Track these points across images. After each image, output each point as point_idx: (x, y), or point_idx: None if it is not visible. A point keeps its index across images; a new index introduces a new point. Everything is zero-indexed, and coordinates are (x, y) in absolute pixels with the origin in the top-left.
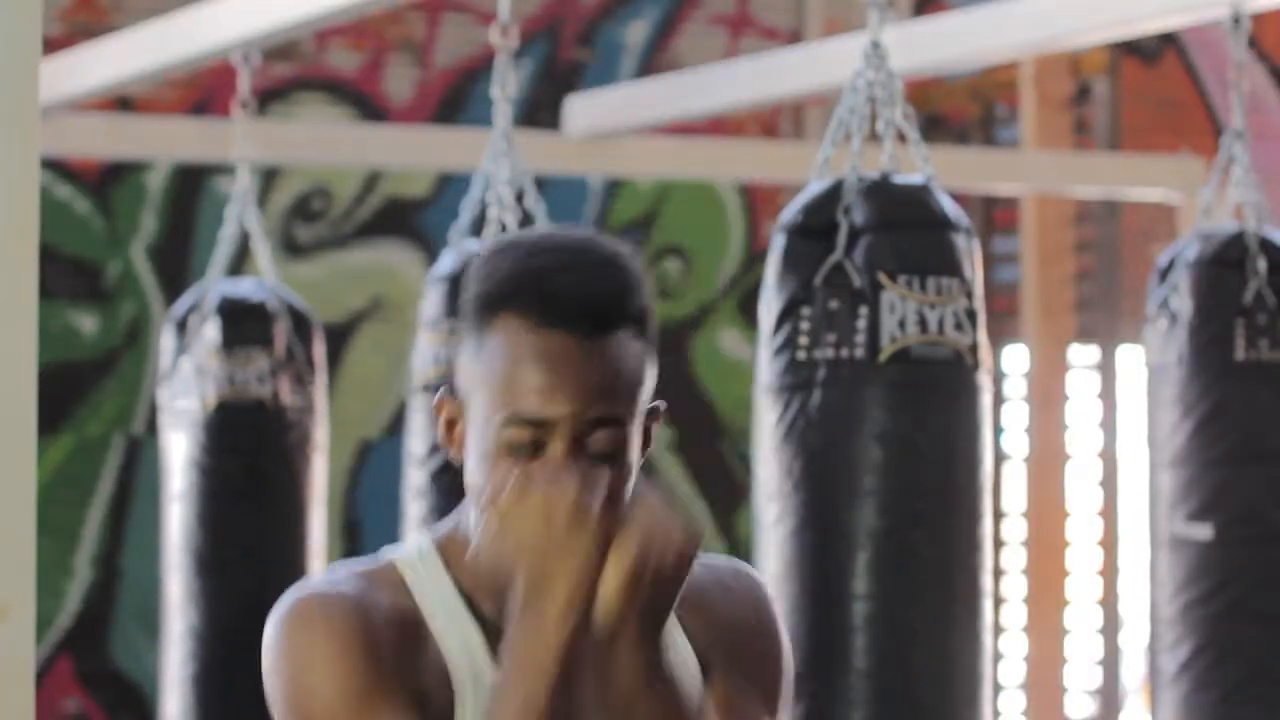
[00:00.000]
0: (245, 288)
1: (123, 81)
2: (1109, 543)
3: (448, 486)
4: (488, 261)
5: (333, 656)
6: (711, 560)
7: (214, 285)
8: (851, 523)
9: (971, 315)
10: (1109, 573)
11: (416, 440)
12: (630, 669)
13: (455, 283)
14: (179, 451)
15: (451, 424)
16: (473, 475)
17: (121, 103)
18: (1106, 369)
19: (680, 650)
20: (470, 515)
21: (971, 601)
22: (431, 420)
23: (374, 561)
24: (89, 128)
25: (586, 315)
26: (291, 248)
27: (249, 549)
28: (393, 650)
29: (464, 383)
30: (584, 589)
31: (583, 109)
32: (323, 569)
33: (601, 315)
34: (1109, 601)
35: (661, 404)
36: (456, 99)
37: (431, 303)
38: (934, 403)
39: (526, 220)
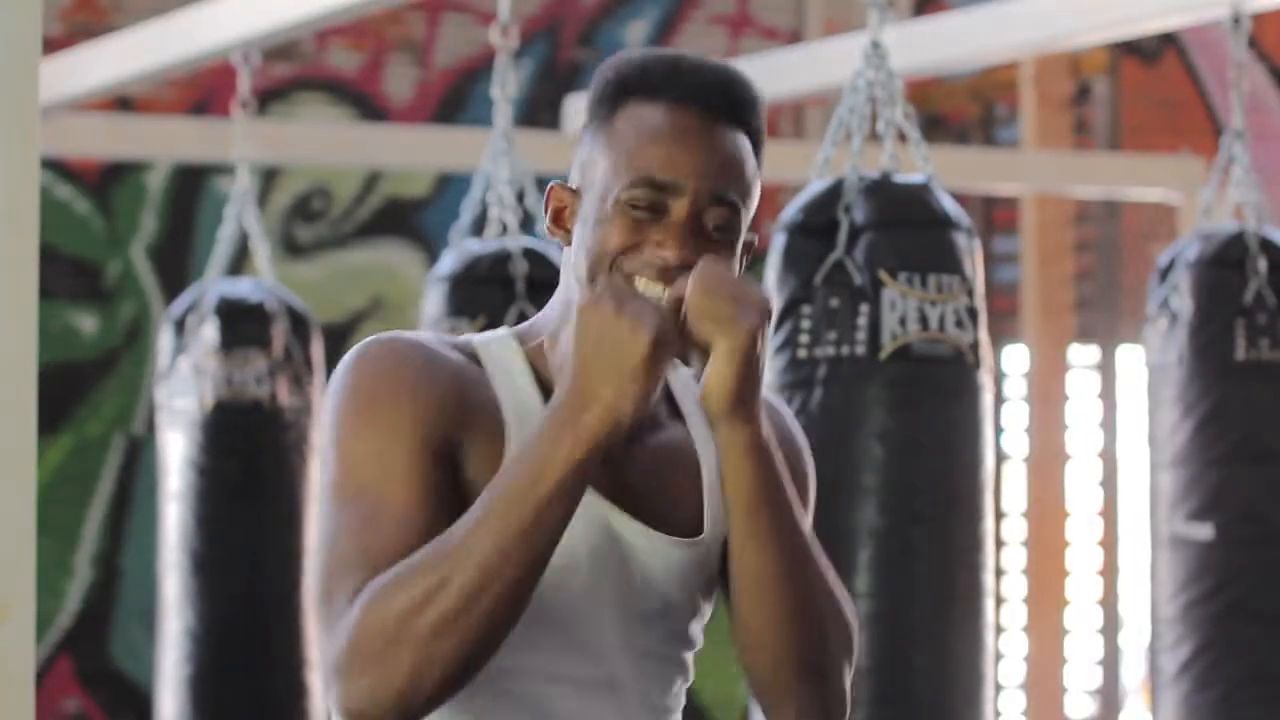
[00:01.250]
0: (244, 288)
1: (123, 81)
2: (1109, 543)
3: None
4: (618, 59)
5: (380, 402)
6: None
7: (212, 285)
8: (852, 521)
9: (972, 313)
10: (1109, 573)
11: None
12: (745, 447)
13: (455, 282)
14: (176, 451)
15: (560, 211)
16: (580, 253)
17: (121, 103)
18: (1106, 369)
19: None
20: (555, 309)
21: (972, 601)
22: (542, 210)
23: (452, 337)
24: (89, 128)
25: (716, 99)
26: (291, 248)
27: (245, 549)
28: (447, 398)
29: (582, 167)
30: (623, 412)
31: (583, 109)
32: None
33: (729, 104)
34: (1109, 601)
35: (756, 237)
36: (456, 99)
37: (431, 303)
38: (935, 401)
39: (527, 220)
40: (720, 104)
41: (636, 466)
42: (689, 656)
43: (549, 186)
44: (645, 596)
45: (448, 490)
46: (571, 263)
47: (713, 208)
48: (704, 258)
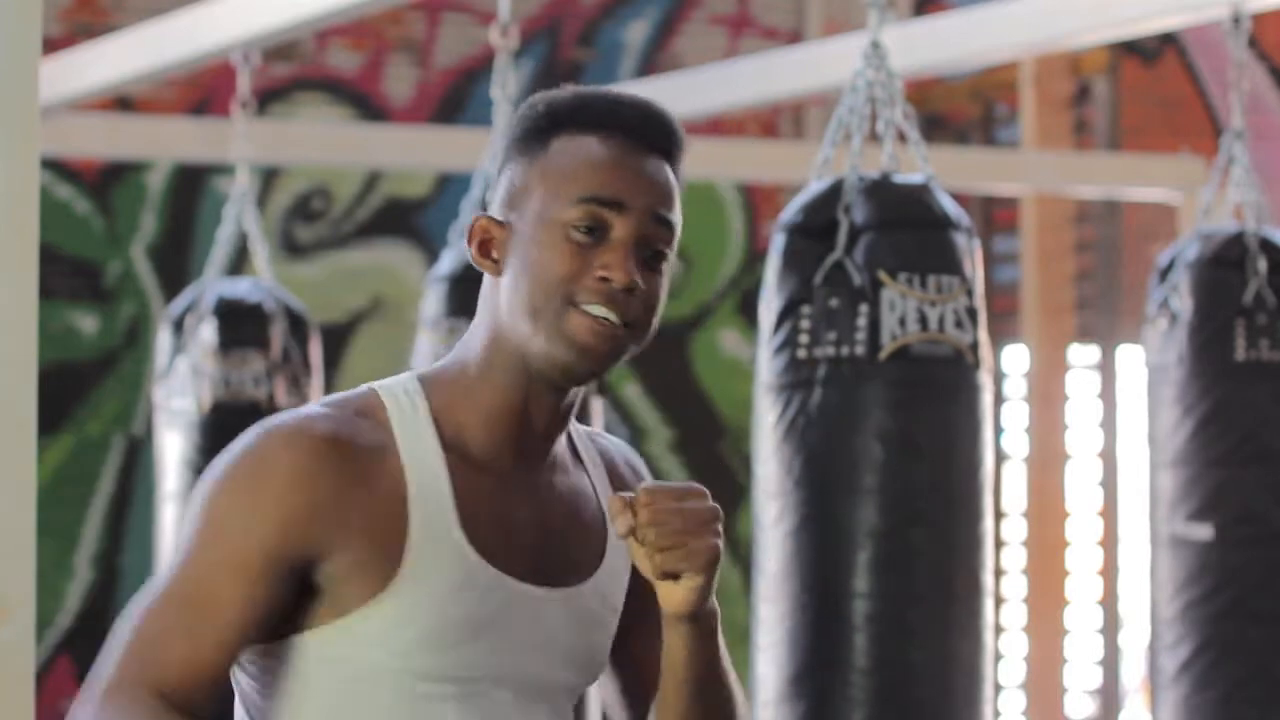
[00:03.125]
0: (242, 288)
1: (123, 81)
2: (1109, 543)
3: None
4: (544, 96)
5: (234, 517)
6: (604, 436)
7: (211, 285)
8: (852, 521)
9: (972, 313)
10: (1109, 573)
11: None
12: (698, 637)
13: (455, 283)
14: (174, 452)
15: (486, 243)
16: (521, 282)
17: (121, 103)
18: (1106, 369)
19: (623, 548)
20: (475, 341)
21: (971, 601)
22: (464, 240)
23: (358, 392)
24: (89, 128)
25: (648, 132)
26: (291, 248)
27: None
28: (313, 515)
29: (510, 198)
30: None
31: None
32: None
33: (659, 136)
34: (1109, 601)
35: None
36: (456, 99)
37: (431, 303)
38: (934, 401)
39: None
40: (651, 136)
41: (546, 511)
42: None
43: (474, 218)
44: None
45: (276, 608)
46: (500, 294)
47: (654, 227)
48: (643, 487)
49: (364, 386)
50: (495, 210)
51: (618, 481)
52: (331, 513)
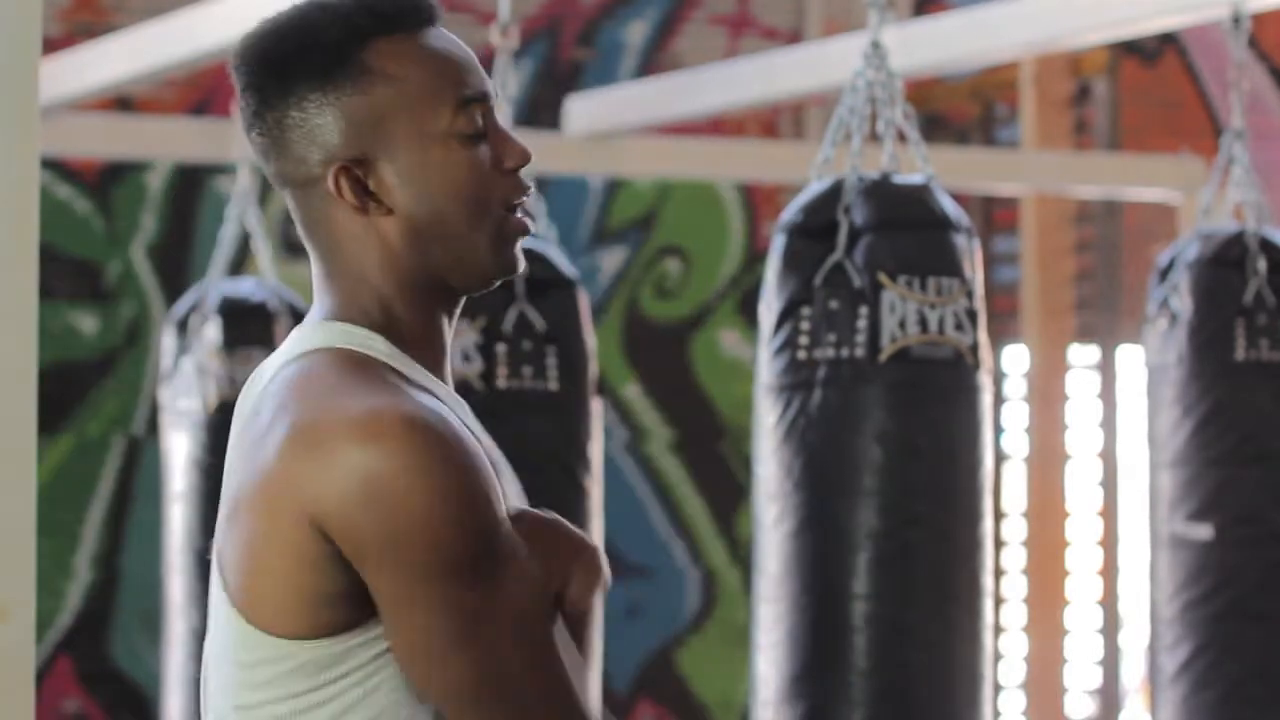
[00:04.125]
0: (246, 288)
1: (123, 81)
2: (1109, 543)
3: None
4: (312, 16)
5: (470, 487)
6: None
7: (214, 285)
8: (852, 522)
9: (972, 315)
10: (1109, 573)
11: None
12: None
13: None
14: (180, 452)
15: (363, 186)
16: (437, 204)
17: (121, 103)
18: (1106, 369)
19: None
20: (366, 294)
21: (971, 601)
22: (338, 195)
23: (353, 362)
24: (89, 128)
25: (434, 10)
26: (292, 247)
27: None
28: (476, 444)
29: (350, 131)
30: None
31: (583, 109)
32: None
33: (438, 7)
34: (1109, 601)
35: None
36: None
37: None
38: (934, 403)
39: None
40: (437, 13)
41: None
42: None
43: (335, 169)
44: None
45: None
46: (396, 229)
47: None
48: (541, 512)
49: (326, 351)
50: (339, 150)
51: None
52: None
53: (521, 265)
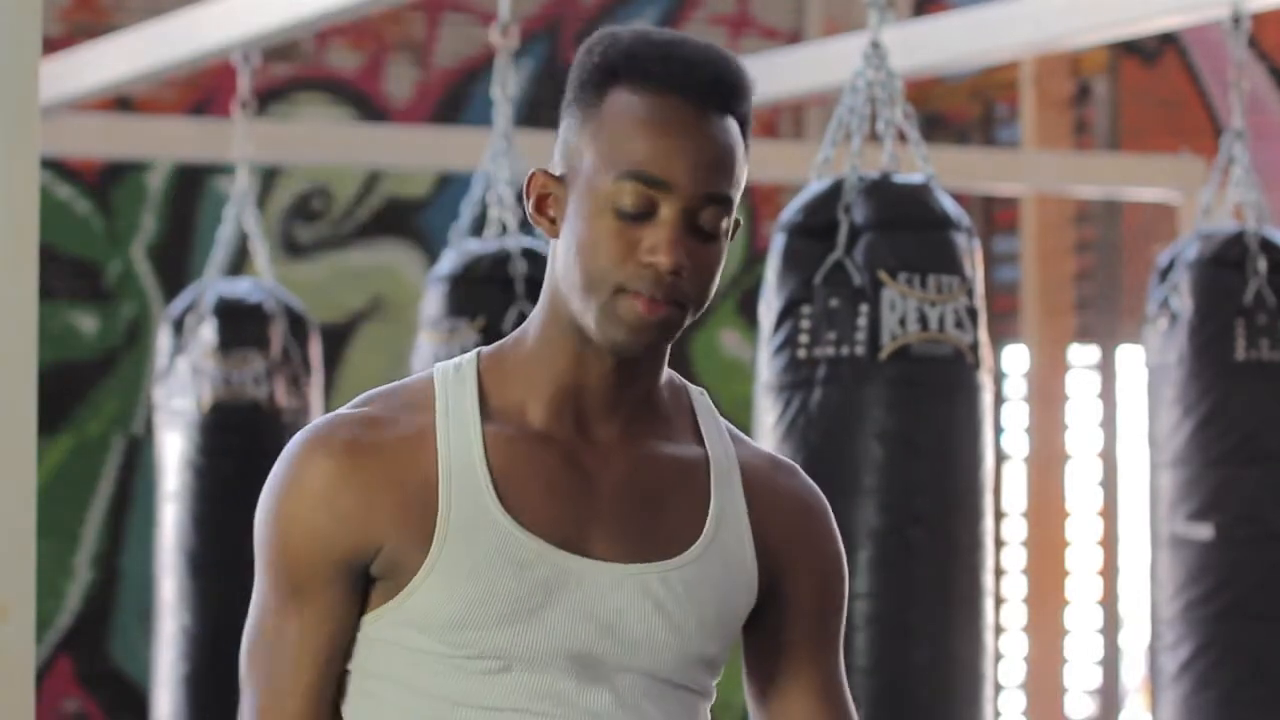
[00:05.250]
0: (242, 288)
1: (123, 81)
2: (1109, 543)
3: None
4: (602, 39)
5: (285, 517)
6: (759, 450)
7: (211, 285)
8: (852, 521)
9: (972, 313)
10: (1109, 573)
11: None
12: None
13: (455, 283)
14: (174, 451)
15: (543, 199)
16: (571, 255)
17: (121, 103)
18: (1106, 369)
19: (743, 539)
20: (537, 312)
21: (972, 601)
22: (524, 197)
23: (418, 376)
24: (89, 128)
25: (707, 87)
26: (291, 248)
27: (243, 550)
28: (365, 487)
29: (566, 153)
30: None
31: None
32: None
33: (720, 90)
34: (1109, 601)
35: (739, 219)
36: (456, 99)
37: (431, 303)
38: (934, 401)
39: (527, 220)
40: (711, 92)
41: (618, 481)
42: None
43: (531, 173)
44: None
45: (348, 608)
46: (558, 258)
47: (705, 208)
48: None
49: (433, 368)
50: (554, 163)
51: (758, 498)
52: (363, 516)
53: (634, 346)
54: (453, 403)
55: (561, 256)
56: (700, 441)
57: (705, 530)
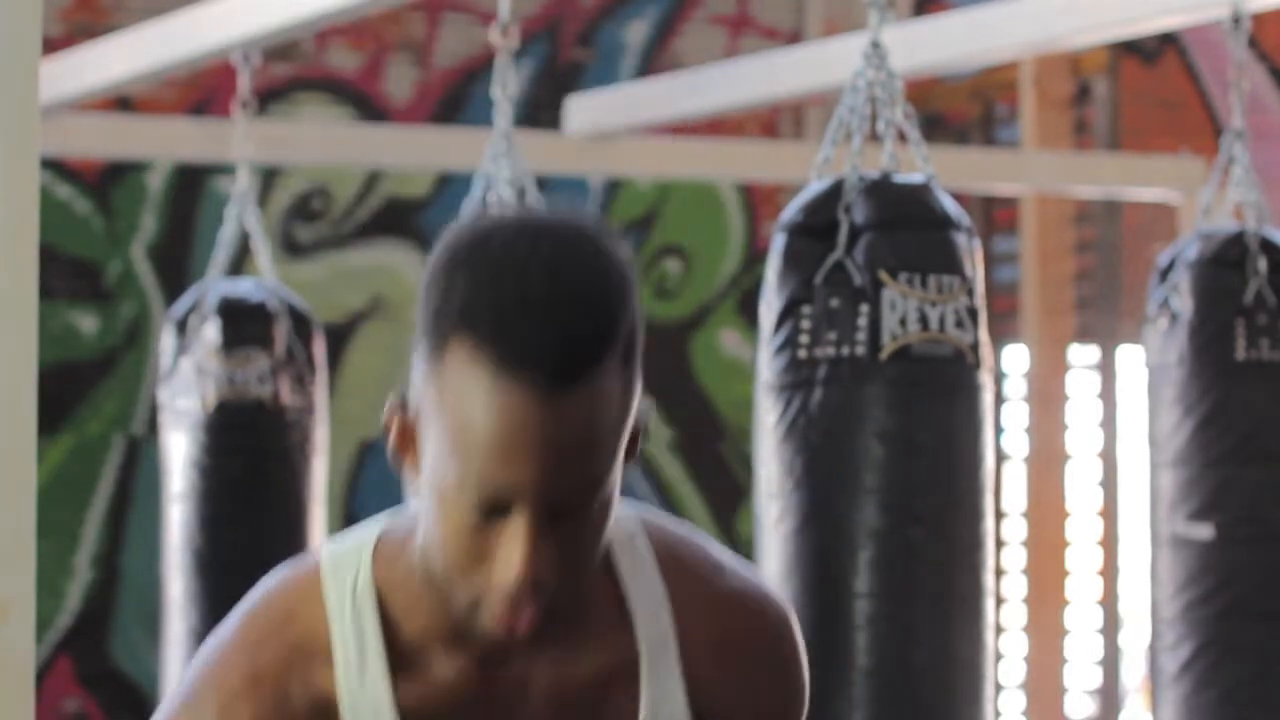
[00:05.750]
0: (245, 288)
1: (123, 81)
2: (1109, 543)
3: None
4: (448, 265)
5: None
6: (727, 583)
7: (214, 285)
8: (852, 521)
9: (972, 313)
10: (1109, 573)
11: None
12: None
13: None
14: (179, 452)
15: (404, 438)
16: (423, 525)
17: (121, 103)
18: (1106, 369)
19: (673, 699)
20: (418, 544)
21: (972, 600)
22: (383, 430)
23: (301, 598)
24: (89, 128)
25: (557, 363)
26: (291, 248)
27: (249, 549)
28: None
29: (418, 400)
30: None
31: (583, 109)
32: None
33: (575, 362)
34: (1109, 601)
35: (647, 411)
36: (456, 99)
37: None
38: (935, 401)
39: None
40: (563, 371)
41: (534, 695)
42: None
43: (389, 404)
44: None
45: None
46: (419, 510)
47: (559, 516)
48: None
49: (312, 567)
50: (410, 398)
51: (697, 666)
52: None
53: (503, 639)
54: (353, 652)
55: (421, 516)
56: (626, 620)
57: None
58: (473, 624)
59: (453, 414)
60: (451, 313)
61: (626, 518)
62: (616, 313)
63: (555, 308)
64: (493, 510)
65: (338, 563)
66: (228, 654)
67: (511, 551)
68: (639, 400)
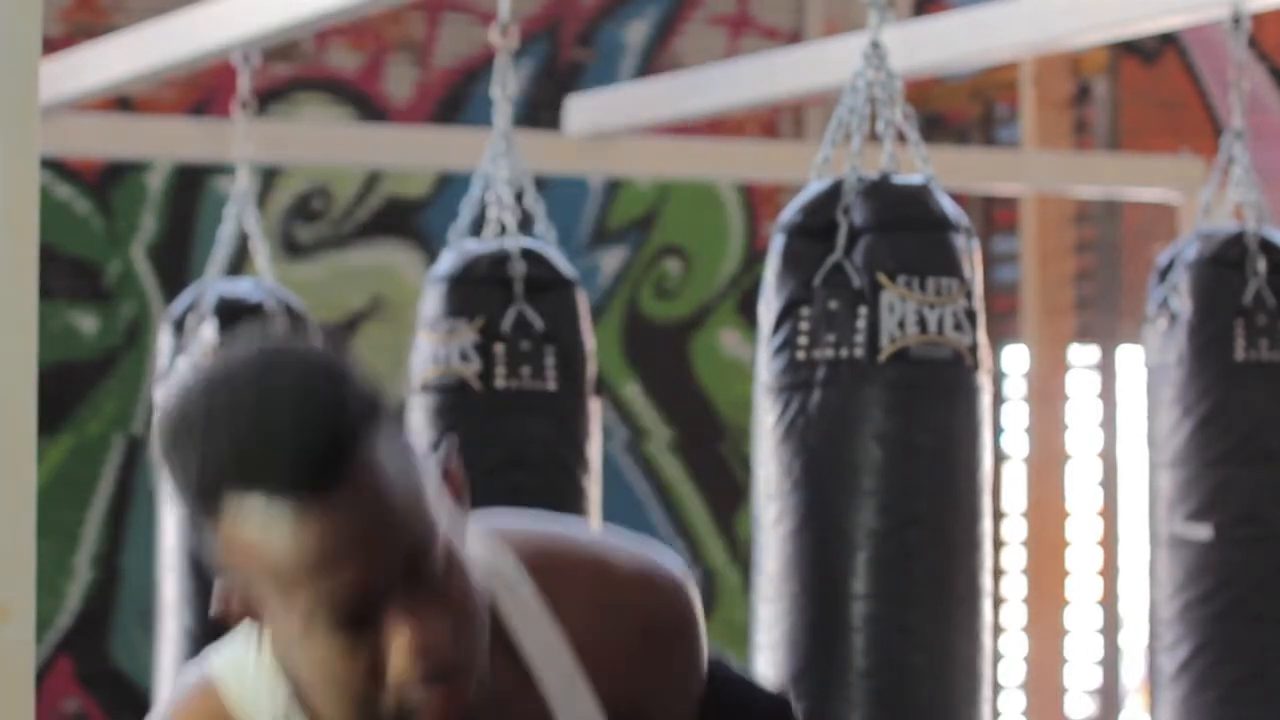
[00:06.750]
0: (243, 288)
1: (123, 81)
2: (1109, 543)
3: None
4: (174, 449)
5: None
6: (612, 578)
7: (211, 285)
8: (851, 522)
9: (971, 315)
10: (1109, 573)
11: (416, 441)
12: None
13: (454, 282)
14: None
15: (252, 616)
16: (300, 683)
17: (121, 103)
18: (1106, 369)
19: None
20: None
21: (971, 601)
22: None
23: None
24: (89, 128)
25: (313, 470)
26: (291, 248)
27: None
28: None
29: (230, 578)
30: None
31: (583, 109)
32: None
33: (331, 460)
34: (1109, 601)
35: (450, 450)
36: (456, 99)
37: (430, 303)
38: (933, 403)
39: (526, 220)
40: (323, 473)
41: None
42: None
43: (221, 592)
44: None
45: None
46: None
47: (411, 593)
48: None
49: (203, 681)
50: (219, 568)
51: (600, 673)
52: None
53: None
54: None
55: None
56: (529, 680)
57: None
58: None
59: (261, 576)
60: (203, 486)
61: (494, 555)
62: (341, 400)
63: (282, 428)
64: (351, 623)
65: (233, 687)
66: None
67: (395, 642)
68: (424, 456)
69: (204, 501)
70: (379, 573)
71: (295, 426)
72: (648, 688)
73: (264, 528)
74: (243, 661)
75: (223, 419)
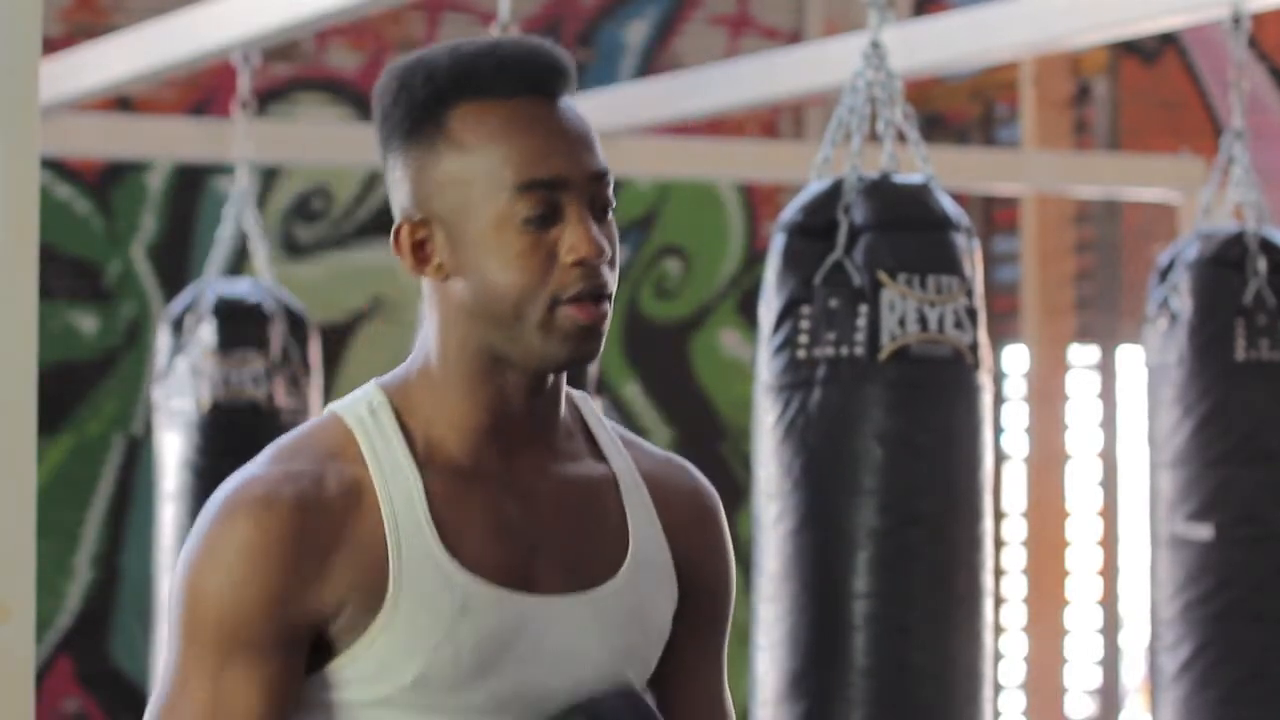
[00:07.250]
0: (242, 288)
1: (123, 81)
2: (1109, 543)
3: None
4: (414, 70)
5: (233, 580)
6: (650, 451)
7: (210, 285)
8: (851, 522)
9: (971, 314)
10: (1109, 573)
11: None
12: None
13: None
14: (173, 452)
15: (420, 246)
16: (486, 288)
17: (121, 103)
18: (1106, 369)
19: (662, 548)
20: (433, 349)
21: (971, 601)
22: (395, 251)
23: (322, 424)
24: (89, 128)
25: (547, 80)
26: (291, 248)
27: None
28: (317, 551)
29: (423, 194)
30: None
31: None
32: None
33: (558, 78)
34: (1109, 601)
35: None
36: None
37: None
38: (934, 402)
39: None
40: (552, 82)
41: (549, 508)
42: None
43: (395, 227)
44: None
45: (299, 673)
46: (456, 298)
47: (594, 187)
48: None
49: (326, 413)
50: (409, 208)
51: (664, 507)
52: (316, 581)
53: (581, 357)
54: (381, 451)
55: (467, 295)
56: (600, 455)
57: (630, 549)
58: (553, 335)
59: (483, 150)
60: (441, 93)
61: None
62: (567, 57)
63: (528, 50)
64: (549, 209)
65: (346, 405)
66: (263, 465)
67: (576, 232)
68: None
69: (451, 108)
70: (588, 170)
71: (534, 46)
72: (698, 557)
73: (511, 118)
74: (358, 402)
75: (464, 45)
